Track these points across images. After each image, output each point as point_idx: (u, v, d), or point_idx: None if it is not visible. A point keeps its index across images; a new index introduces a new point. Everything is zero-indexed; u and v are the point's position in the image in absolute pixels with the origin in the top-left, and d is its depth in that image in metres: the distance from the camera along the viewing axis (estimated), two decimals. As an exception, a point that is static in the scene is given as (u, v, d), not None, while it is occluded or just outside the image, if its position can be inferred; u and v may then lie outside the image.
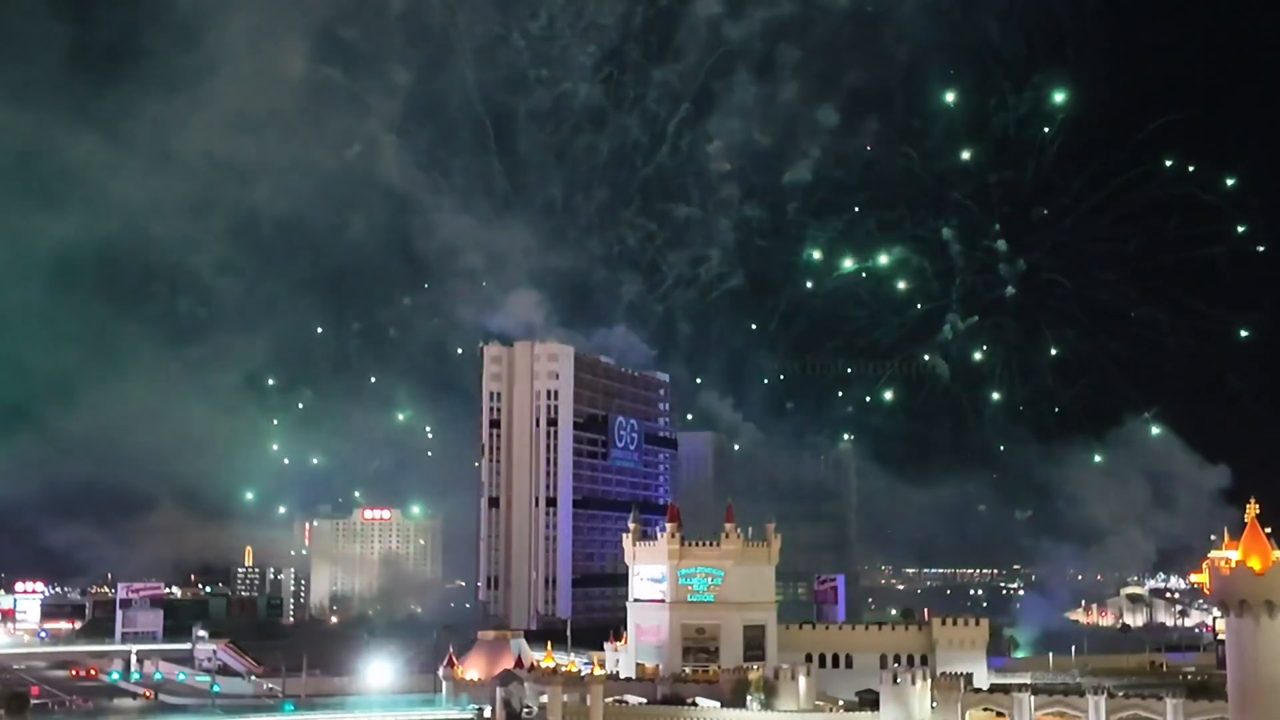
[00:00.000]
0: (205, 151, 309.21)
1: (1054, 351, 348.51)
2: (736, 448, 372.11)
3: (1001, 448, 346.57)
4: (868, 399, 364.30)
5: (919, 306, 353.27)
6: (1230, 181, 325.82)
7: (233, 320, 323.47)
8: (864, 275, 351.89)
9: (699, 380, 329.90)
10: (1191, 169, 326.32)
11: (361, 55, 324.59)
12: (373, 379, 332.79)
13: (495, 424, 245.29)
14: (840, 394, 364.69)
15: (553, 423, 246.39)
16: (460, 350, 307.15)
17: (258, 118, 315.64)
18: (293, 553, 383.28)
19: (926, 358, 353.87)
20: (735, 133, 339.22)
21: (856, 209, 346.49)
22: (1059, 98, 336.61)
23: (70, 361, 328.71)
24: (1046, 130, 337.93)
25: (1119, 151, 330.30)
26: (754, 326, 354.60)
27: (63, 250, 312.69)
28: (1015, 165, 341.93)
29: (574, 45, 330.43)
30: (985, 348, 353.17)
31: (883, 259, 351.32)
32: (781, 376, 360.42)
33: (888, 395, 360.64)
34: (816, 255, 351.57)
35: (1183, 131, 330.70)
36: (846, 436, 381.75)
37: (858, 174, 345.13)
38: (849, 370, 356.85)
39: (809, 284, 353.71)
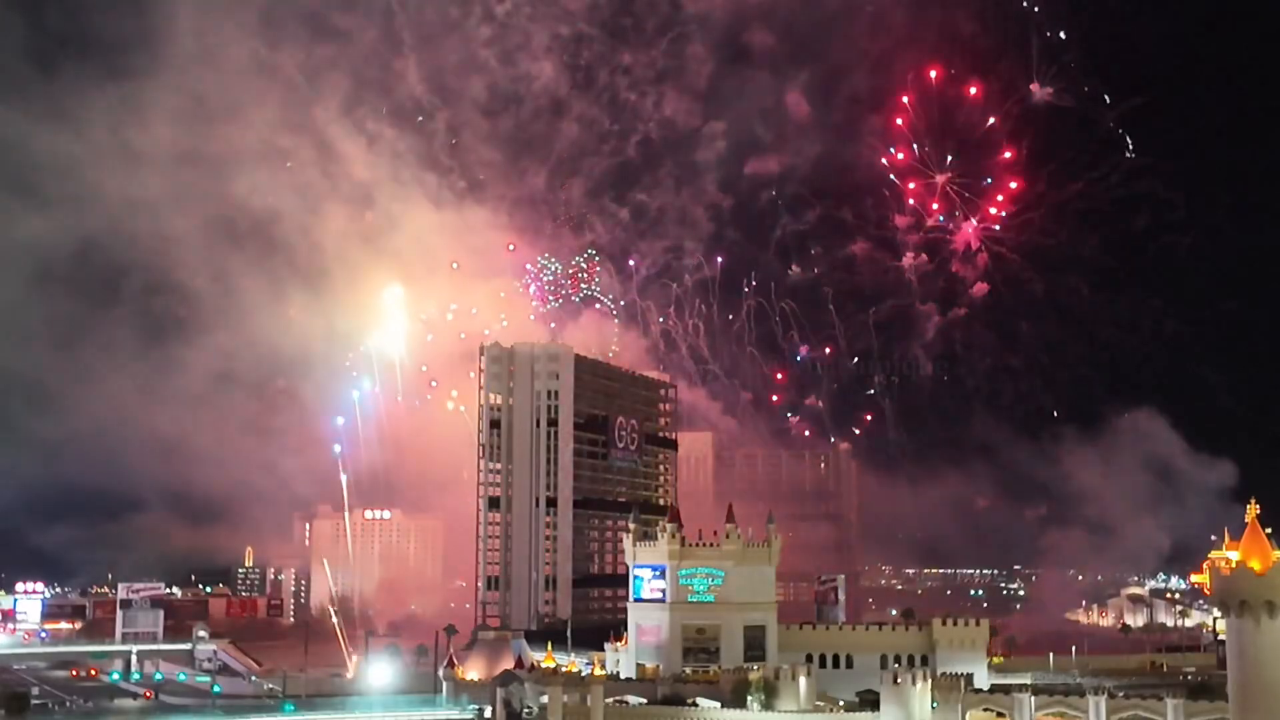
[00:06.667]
0: (169, 143, 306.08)
1: (1031, 349, 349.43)
2: (740, 452, 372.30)
3: (995, 445, 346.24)
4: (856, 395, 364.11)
5: (891, 302, 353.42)
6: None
7: (212, 318, 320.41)
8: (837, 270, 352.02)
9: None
10: (1155, 161, 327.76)
11: (328, 41, 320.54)
12: (360, 377, 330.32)
13: (495, 424, 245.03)
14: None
15: (553, 423, 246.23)
16: (447, 346, 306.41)
17: (221, 108, 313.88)
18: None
19: (907, 355, 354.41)
20: (706, 120, 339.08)
21: (826, 201, 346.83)
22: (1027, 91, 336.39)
23: (48, 363, 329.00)
24: (1014, 125, 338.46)
25: (1087, 147, 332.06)
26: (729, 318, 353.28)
27: (36, 248, 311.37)
28: (984, 158, 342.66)
29: (540, 29, 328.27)
30: (963, 345, 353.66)
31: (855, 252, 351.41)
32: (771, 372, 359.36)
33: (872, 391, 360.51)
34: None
35: (1147, 123, 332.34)
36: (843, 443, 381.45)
37: (827, 166, 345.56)
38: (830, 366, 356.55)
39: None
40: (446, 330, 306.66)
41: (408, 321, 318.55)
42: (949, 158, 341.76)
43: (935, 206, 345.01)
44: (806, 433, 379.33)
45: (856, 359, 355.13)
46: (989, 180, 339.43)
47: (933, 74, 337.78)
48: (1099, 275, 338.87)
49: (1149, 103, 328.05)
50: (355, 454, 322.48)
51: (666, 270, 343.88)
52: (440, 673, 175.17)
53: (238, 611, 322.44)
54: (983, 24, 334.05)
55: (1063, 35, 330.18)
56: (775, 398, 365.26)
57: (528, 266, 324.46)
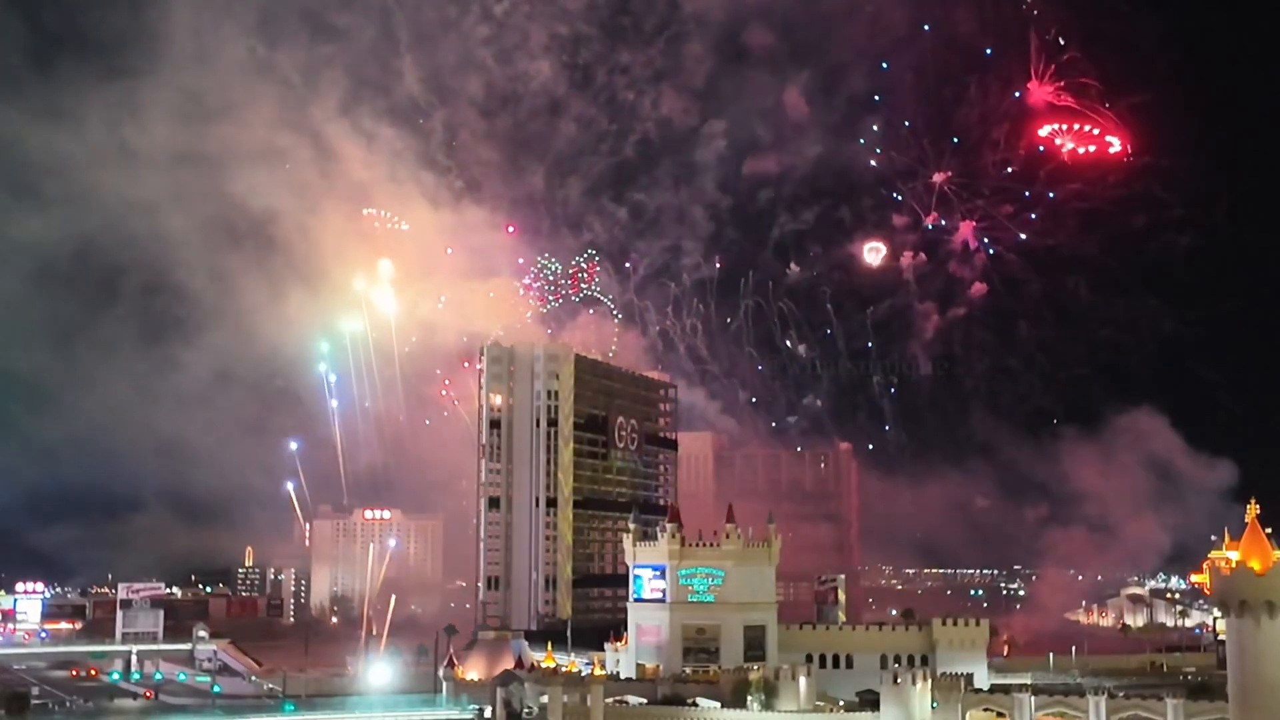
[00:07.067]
0: (167, 143, 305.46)
1: (1030, 348, 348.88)
2: (740, 452, 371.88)
3: (994, 445, 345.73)
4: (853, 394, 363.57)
5: (890, 302, 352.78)
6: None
7: (211, 317, 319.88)
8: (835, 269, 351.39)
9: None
10: (1153, 161, 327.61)
11: (325, 40, 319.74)
12: (360, 377, 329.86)
13: (495, 424, 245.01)
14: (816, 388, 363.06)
15: (553, 423, 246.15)
16: (444, 347, 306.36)
17: (219, 107, 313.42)
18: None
19: (906, 355, 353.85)
20: (704, 119, 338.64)
21: (826, 201, 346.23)
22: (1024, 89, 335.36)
23: (46, 363, 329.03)
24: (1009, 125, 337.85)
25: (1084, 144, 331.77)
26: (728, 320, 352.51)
27: (34, 248, 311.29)
28: (981, 159, 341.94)
29: (538, 28, 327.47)
30: (962, 345, 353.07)
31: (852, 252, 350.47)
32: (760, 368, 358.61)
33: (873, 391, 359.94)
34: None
35: (1146, 123, 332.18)
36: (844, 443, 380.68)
37: (825, 166, 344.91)
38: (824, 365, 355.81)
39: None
40: (444, 330, 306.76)
41: (397, 301, 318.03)
42: (947, 157, 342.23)
43: (933, 206, 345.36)
44: (799, 448, 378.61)
45: (856, 359, 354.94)
46: (1027, 194, 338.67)
47: (931, 73, 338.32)
48: (1097, 275, 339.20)
49: (1147, 102, 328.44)
50: (353, 442, 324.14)
51: (665, 270, 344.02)
52: (440, 673, 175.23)
53: (238, 611, 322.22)
54: (981, 23, 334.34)
55: (1061, 41, 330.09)
56: (754, 399, 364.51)
57: (519, 260, 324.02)
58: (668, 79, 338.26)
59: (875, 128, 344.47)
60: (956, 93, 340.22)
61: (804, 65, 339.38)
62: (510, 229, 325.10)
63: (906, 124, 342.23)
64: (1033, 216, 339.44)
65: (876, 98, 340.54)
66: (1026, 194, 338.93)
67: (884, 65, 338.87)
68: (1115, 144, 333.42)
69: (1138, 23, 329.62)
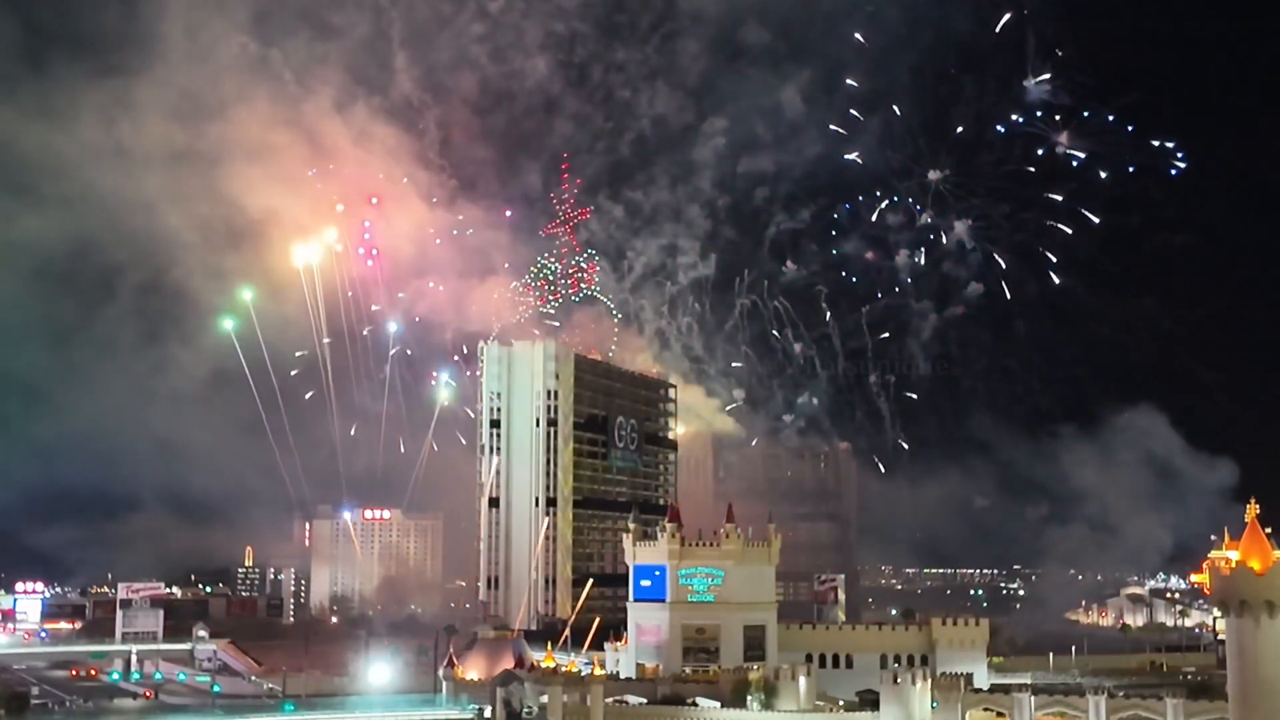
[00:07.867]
0: (162, 141, 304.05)
1: (1025, 348, 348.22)
2: (740, 452, 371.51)
3: (993, 444, 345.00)
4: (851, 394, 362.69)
5: (885, 302, 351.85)
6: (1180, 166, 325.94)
7: (208, 317, 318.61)
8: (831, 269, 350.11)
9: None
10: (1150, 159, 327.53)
11: (319, 37, 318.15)
12: (361, 378, 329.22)
13: (495, 424, 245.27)
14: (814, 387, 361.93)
15: (553, 423, 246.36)
16: (443, 346, 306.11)
17: (213, 105, 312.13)
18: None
19: (904, 354, 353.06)
20: (700, 117, 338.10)
21: (822, 199, 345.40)
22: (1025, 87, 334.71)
23: (44, 363, 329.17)
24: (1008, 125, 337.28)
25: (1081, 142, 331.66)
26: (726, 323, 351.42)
27: (30, 247, 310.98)
28: (977, 160, 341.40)
29: (533, 26, 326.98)
30: (959, 345, 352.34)
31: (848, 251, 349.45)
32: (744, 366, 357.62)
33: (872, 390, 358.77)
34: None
35: (1142, 121, 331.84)
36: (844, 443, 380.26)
37: (822, 164, 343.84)
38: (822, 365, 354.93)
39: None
40: (443, 329, 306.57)
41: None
42: (943, 155, 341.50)
43: (929, 205, 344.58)
44: (798, 448, 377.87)
45: (853, 358, 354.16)
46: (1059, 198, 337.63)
47: (928, 71, 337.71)
48: (1094, 274, 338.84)
49: (1143, 100, 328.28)
50: (354, 452, 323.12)
51: (661, 269, 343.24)
52: (440, 673, 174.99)
53: (237, 611, 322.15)
54: (978, 21, 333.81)
55: (1058, 45, 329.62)
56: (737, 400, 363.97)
57: (506, 264, 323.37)
58: (664, 77, 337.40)
59: (860, 116, 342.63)
60: (952, 91, 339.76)
61: (801, 64, 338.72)
62: (508, 213, 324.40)
63: (897, 110, 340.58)
64: (1029, 215, 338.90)
65: (852, 82, 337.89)
66: (1022, 193, 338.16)
67: (881, 64, 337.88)
68: (1113, 143, 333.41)
69: (1136, 22, 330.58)
